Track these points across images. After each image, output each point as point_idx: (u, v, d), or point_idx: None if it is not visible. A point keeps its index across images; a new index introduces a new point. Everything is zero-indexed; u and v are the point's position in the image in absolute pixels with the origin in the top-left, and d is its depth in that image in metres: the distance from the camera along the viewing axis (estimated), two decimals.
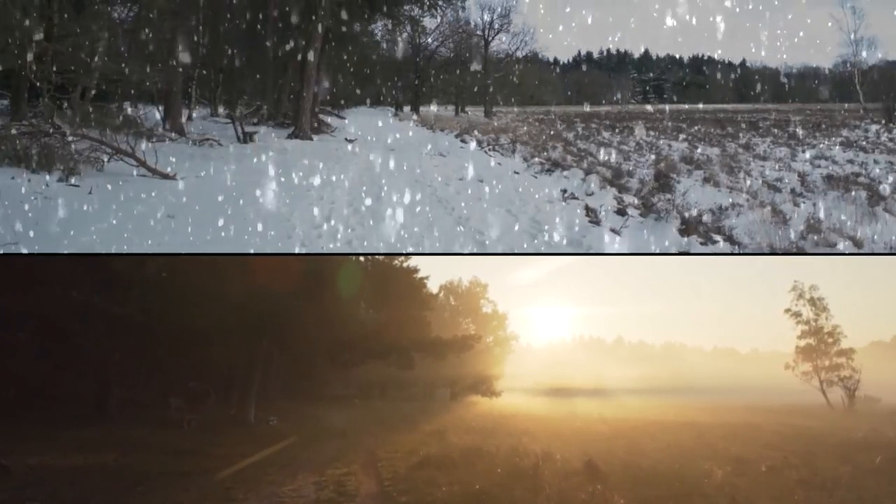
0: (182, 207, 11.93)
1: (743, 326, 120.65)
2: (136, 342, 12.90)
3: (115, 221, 10.54)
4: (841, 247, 10.87)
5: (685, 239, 11.16)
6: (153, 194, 13.07)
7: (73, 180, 13.55)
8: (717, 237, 11.14)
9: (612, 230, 11.68)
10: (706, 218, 12.32)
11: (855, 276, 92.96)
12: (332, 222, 11.71)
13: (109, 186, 13.35)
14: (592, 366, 46.67)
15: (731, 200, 14.48)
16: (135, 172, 15.13)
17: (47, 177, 13.47)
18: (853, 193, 15.64)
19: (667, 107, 64.88)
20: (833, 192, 16.42)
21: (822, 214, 12.76)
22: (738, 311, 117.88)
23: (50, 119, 16.00)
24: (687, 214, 12.57)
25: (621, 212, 13.27)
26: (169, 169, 15.74)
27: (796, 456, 9.16)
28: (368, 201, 13.82)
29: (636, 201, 14.57)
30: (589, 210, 13.29)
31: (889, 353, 50.83)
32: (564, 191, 15.33)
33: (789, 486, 6.74)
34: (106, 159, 15.49)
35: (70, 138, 15.43)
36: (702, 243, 10.90)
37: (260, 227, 10.76)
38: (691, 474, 7.19)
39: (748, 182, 17.89)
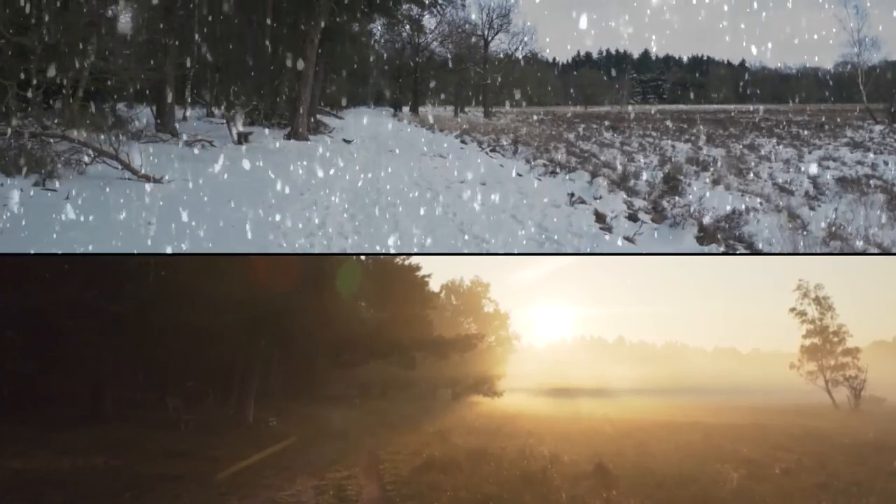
0: (166, 213, 11.39)
1: (743, 326, 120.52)
2: (132, 341, 12.64)
3: (91, 228, 9.97)
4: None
5: (704, 248, 10.85)
6: (136, 199, 12.40)
7: (50, 184, 12.90)
8: (738, 245, 10.81)
9: (626, 238, 11.28)
10: (724, 224, 11.80)
11: (855, 275, 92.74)
12: (327, 229, 11.27)
13: (90, 191, 12.66)
14: (594, 366, 46.49)
15: (745, 205, 14.00)
16: (125, 175, 14.48)
17: (20, 181, 12.77)
18: (871, 196, 15.32)
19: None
20: (848, 195, 16.09)
21: (842, 219, 12.29)
22: (739, 310, 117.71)
23: (30, 119, 15.48)
24: (703, 221, 12.07)
25: (633, 217, 12.82)
26: (154, 171, 15.04)
27: (809, 458, 8.91)
28: (365, 206, 13.37)
29: (647, 205, 14.13)
30: (598, 216, 12.85)
31: (892, 353, 50.63)
32: (571, 194, 14.84)
33: (809, 490, 6.48)
34: (88, 161, 14.77)
35: (49, 140, 14.73)
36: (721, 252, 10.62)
37: (249, 234, 10.30)
38: (704, 478, 6.93)
39: (759, 184, 17.57)
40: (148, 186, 14.00)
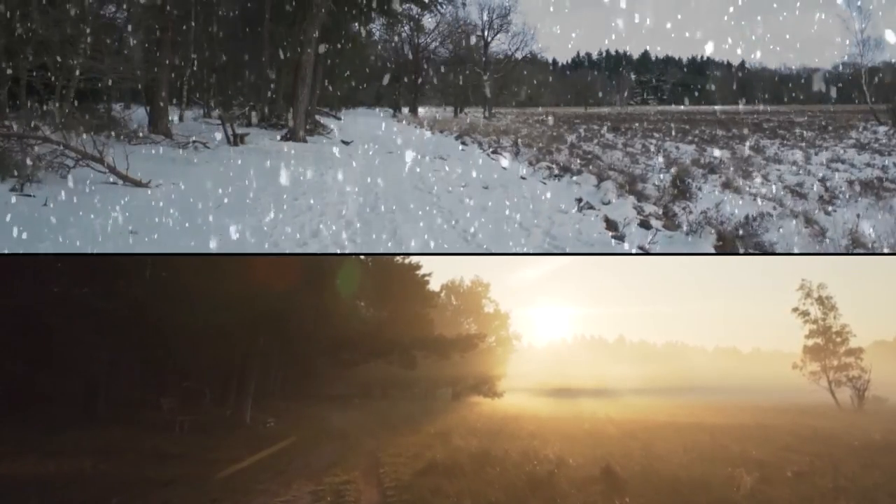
0: (150, 220, 10.81)
1: (744, 326, 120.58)
2: (128, 339, 12.38)
3: (66, 238, 9.41)
4: None
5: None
6: (120, 205, 11.76)
7: (29, 189, 12.28)
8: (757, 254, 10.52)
9: (641, 248, 10.84)
10: (742, 232, 11.32)
11: (855, 275, 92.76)
12: (322, 237, 10.80)
13: (70, 196, 11.97)
14: (595, 365, 46.38)
15: (758, 210, 13.51)
16: (110, 179, 13.82)
17: None
18: (889, 201, 14.94)
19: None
20: (863, 198, 15.62)
21: (864, 226, 11.75)
22: (739, 310, 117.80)
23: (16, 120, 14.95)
24: (720, 228, 11.55)
25: (645, 224, 12.33)
26: (144, 174, 14.45)
27: (821, 460, 8.65)
28: (362, 211, 12.87)
29: (658, 210, 13.59)
30: (609, 222, 12.35)
31: (892, 353, 50.50)
32: (579, 200, 14.29)
33: (828, 493, 6.21)
34: (72, 165, 14.10)
35: (30, 142, 13.99)
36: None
37: (238, 245, 9.84)
38: (717, 481, 6.67)
39: (770, 187, 17.18)
40: (134, 191, 13.43)
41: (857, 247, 10.58)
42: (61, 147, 14.40)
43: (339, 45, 34.84)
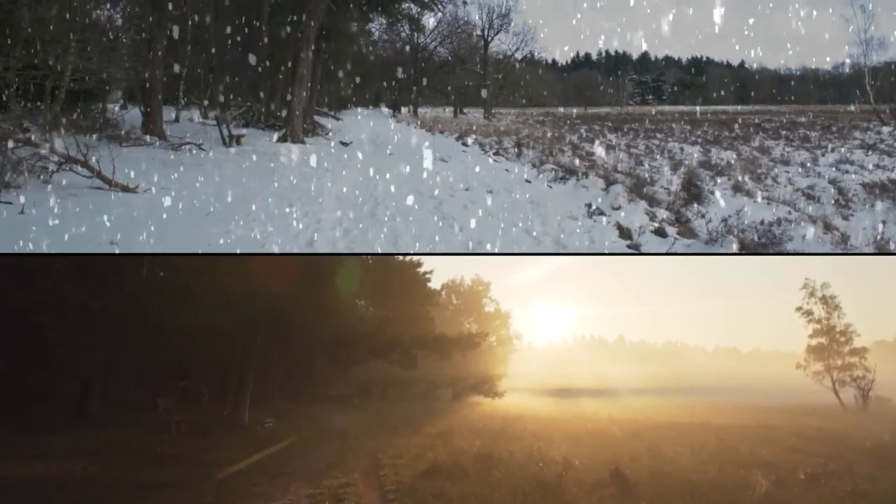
0: (135, 228, 10.26)
1: (744, 326, 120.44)
2: (124, 338, 12.17)
3: (41, 248, 8.97)
4: None
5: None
6: (104, 211, 11.11)
7: (7, 195, 11.66)
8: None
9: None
10: (764, 240, 10.88)
11: (854, 275, 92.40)
12: (317, 246, 10.42)
13: (51, 202, 11.37)
14: (595, 365, 46.17)
15: (775, 214, 13.16)
16: (96, 184, 13.27)
17: None
18: None
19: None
20: (879, 202, 15.22)
21: (890, 231, 11.43)
22: (739, 310, 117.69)
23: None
24: (742, 236, 11.07)
25: (660, 231, 11.85)
26: (134, 177, 13.94)
27: (834, 461, 8.43)
28: (362, 216, 12.50)
29: (671, 216, 13.17)
30: (622, 230, 11.88)
31: (893, 353, 50.34)
32: (589, 205, 13.85)
33: (847, 497, 6.00)
34: (55, 169, 13.42)
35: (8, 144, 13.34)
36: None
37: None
38: (731, 484, 6.46)
39: (780, 190, 16.85)
40: (120, 196, 12.89)
41: (884, 254, 10.36)
42: (37, 147, 13.79)
43: (337, 45, 34.63)
